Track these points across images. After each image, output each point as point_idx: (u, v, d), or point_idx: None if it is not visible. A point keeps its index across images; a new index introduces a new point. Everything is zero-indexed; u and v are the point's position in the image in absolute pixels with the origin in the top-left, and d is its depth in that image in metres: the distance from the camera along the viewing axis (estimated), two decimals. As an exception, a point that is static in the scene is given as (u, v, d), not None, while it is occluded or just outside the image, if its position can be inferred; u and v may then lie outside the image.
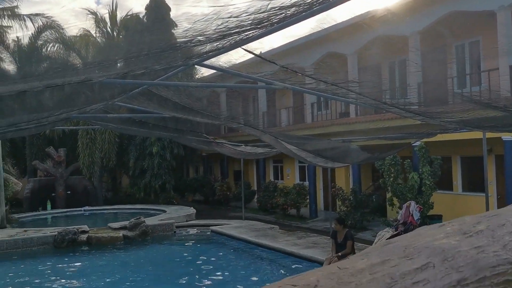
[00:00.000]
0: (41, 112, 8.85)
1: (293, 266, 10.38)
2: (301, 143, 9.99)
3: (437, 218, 12.86)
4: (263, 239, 12.63)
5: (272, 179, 23.79)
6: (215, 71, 6.43)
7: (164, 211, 18.47)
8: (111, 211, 21.44)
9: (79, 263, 11.98)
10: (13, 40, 22.73)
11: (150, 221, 15.37)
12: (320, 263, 9.89)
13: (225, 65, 6.54)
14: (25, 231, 14.72)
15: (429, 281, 1.14)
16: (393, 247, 1.29)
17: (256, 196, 23.60)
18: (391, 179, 14.56)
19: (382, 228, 15.05)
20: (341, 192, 17.12)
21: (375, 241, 9.30)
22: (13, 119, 9.73)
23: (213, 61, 6.07)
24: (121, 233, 14.11)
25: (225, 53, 5.51)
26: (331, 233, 10.30)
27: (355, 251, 9.76)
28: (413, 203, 9.30)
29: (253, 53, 4.99)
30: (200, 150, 26.83)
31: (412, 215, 9.06)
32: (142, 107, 9.82)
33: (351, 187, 18.35)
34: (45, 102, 9.68)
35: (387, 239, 7.86)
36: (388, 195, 15.11)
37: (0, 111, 11.76)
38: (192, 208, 18.86)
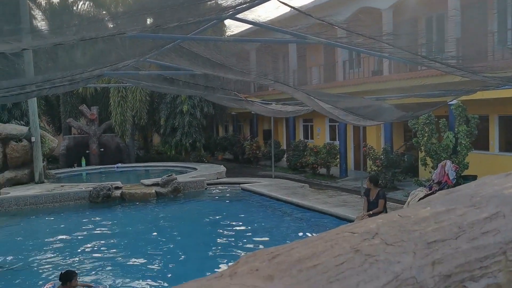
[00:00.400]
0: (74, 69, 8.91)
1: (323, 223, 10.43)
2: (334, 101, 9.79)
3: (472, 179, 12.60)
4: (293, 197, 12.69)
5: (302, 138, 23.69)
6: (244, 29, 6.26)
7: (195, 169, 18.72)
8: (143, 168, 21.89)
9: (113, 218, 12.34)
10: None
11: (181, 178, 15.61)
12: (350, 221, 9.88)
13: (258, 19, 6.35)
14: (62, 186, 15.22)
15: (499, 231, 1.05)
16: (457, 196, 1.20)
17: (285, 155, 23.59)
18: (425, 138, 14.23)
19: (414, 188, 14.90)
20: (372, 151, 16.89)
21: (408, 200, 9.20)
22: (48, 76, 9.84)
23: (246, 14, 5.90)
24: (153, 190, 14.41)
25: (258, 7, 5.33)
26: (364, 191, 10.25)
27: (387, 210, 9.69)
28: (448, 162, 9.08)
29: (289, 5, 4.80)
30: (229, 109, 26.85)
31: (447, 174, 8.86)
32: (173, 64, 9.77)
33: (382, 146, 18.09)
34: (77, 59, 9.73)
35: (420, 198, 7.71)
36: (421, 154, 14.83)
37: (36, 68, 11.93)
38: (222, 166, 19.04)
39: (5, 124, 16.77)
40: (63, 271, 6.27)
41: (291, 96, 10.63)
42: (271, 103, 13.88)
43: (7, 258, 8.70)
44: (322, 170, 20.01)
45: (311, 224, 10.56)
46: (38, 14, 21.59)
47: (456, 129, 13.85)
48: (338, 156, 19.79)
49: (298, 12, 5.78)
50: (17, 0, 14.86)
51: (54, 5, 23.35)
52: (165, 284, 7.06)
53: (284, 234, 9.86)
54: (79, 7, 22.85)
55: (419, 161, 14.84)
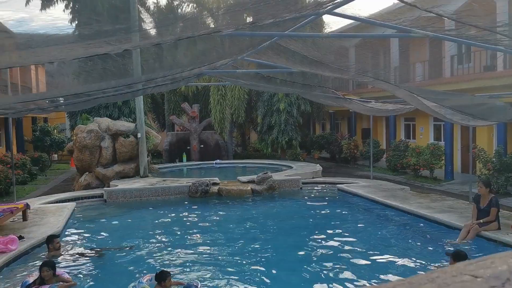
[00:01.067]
0: (176, 68, 9.20)
1: (426, 230, 9.76)
2: (440, 99, 9.10)
3: None
4: (393, 200, 12.06)
5: (403, 138, 22.59)
6: (343, 25, 5.97)
7: (291, 167, 18.63)
8: (240, 165, 22.30)
9: (210, 213, 12.66)
10: (153, 2, 24.20)
11: (277, 176, 15.61)
12: (457, 229, 9.13)
13: (357, 14, 6.03)
14: (164, 180, 15.97)
15: None
16: None
17: (384, 155, 22.64)
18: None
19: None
20: (483, 153, 15.55)
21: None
22: (152, 75, 10.29)
23: (344, 8, 5.61)
24: (249, 187, 14.57)
25: (357, 0, 5.02)
26: (474, 197, 9.41)
27: (500, 219, 8.81)
28: None
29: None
30: (327, 107, 26.39)
31: None
32: (270, 62, 9.74)
33: (494, 148, 16.61)
34: (179, 59, 10.05)
35: None
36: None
37: (143, 68, 12.57)
38: (318, 165, 18.75)
39: (115, 121, 17.99)
40: (157, 272, 6.54)
41: (392, 93, 10.09)
42: (371, 101, 13.34)
43: (115, 243, 9.29)
44: (425, 172, 18.88)
45: (414, 230, 9.92)
46: (147, 17, 22.92)
47: None
48: (443, 158, 18.53)
49: (402, 5, 5.37)
50: (128, 4, 15.86)
51: (161, 8, 24.66)
52: (253, 283, 7.01)
53: (382, 240, 9.37)
54: (184, 9, 23.91)
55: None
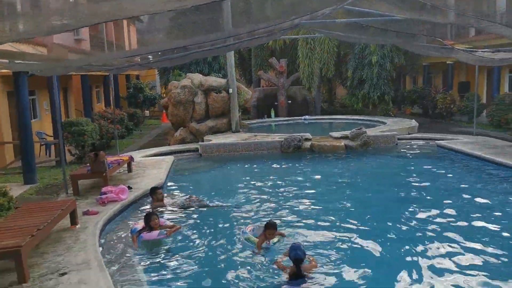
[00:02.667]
0: (275, 19, 8.91)
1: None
2: None
3: None
4: (503, 157, 11.14)
5: (508, 91, 20.75)
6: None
7: (384, 123, 17.92)
8: (329, 120, 21.86)
9: (302, 167, 12.55)
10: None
11: (370, 132, 15.06)
12: None
13: None
14: (255, 136, 16.05)
15: None
16: None
17: (484, 111, 21.02)
18: None
19: None
20: None
21: None
22: (245, 29, 10.07)
23: None
24: (342, 143, 14.21)
25: None
26: None
27: None
28: None
29: None
30: (421, 59, 24.88)
31: None
32: (372, 10, 9.11)
33: None
34: (280, 8, 9.71)
35: None
36: None
37: (234, 21, 12.35)
38: (413, 120, 17.83)
39: (206, 77, 18.22)
40: (270, 220, 6.59)
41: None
42: (477, 50, 12.22)
43: (214, 195, 9.51)
44: (534, 129, 17.31)
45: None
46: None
47: None
48: (557, 113, 16.83)
49: None
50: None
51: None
52: (341, 239, 6.80)
53: (491, 198, 8.69)
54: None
55: None
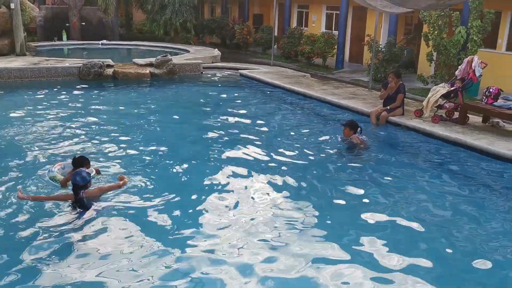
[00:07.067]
0: None
1: (333, 114, 10.09)
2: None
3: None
4: (298, 86, 12.17)
5: (296, 25, 22.57)
6: None
7: (188, 51, 17.75)
8: (129, 47, 20.71)
9: (106, 96, 11.66)
10: None
11: (176, 60, 14.74)
12: (364, 115, 9.58)
13: None
14: (46, 60, 14.18)
15: None
16: None
17: (277, 43, 22.60)
18: (436, 32, 13.61)
19: (415, 84, 14.57)
20: (375, 43, 16.19)
21: (429, 96, 8.81)
22: None
23: None
24: (148, 70, 13.61)
25: None
26: (382, 84, 9.86)
27: (404, 105, 9.38)
28: (476, 57, 8.56)
29: None
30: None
31: (473, 70, 8.41)
32: None
33: (382, 39, 17.46)
34: None
35: (442, 94, 7.26)
36: (428, 49, 14.30)
37: None
38: (216, 50, 18.06)
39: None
40: (76, 156, 5.87)
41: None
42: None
43: None
44: (318, 60, 19.36)
45: (320, 115, 10.18)
46: None
47: (469, 24, 13.22)
48: (336, 47, 19.05)
49: None
50: None
51: None
52: (147, 170, 6.59)
53: (290, 123, 9.44)
54: None
55: (426, 56, 14.31)
